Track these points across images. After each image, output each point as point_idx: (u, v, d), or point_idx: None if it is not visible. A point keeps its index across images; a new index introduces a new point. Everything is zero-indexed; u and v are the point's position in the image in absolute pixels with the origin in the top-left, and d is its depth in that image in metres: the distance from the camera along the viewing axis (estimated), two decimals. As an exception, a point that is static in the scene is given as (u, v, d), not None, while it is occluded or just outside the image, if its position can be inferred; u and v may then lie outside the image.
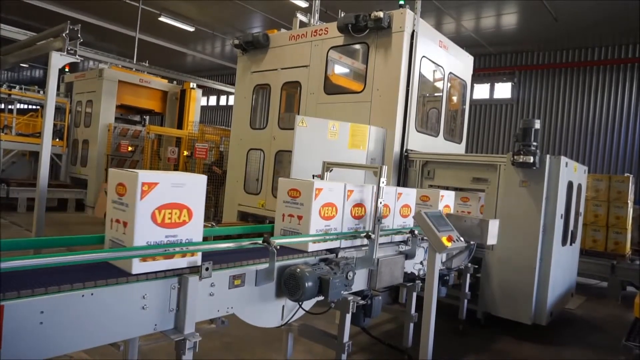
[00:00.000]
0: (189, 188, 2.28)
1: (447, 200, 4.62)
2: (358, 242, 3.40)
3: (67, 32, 5.86)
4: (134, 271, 2.09)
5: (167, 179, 2.20)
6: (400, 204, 3.95)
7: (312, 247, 3.02)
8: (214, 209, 9.99)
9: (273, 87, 7.46)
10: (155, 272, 2.15)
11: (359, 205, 3.40)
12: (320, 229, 3.09)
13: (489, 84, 16.66)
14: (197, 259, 2.31)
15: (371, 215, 3.42)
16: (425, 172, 5.98)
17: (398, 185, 6.04)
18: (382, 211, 3.28)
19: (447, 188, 6.39)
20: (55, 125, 11.82)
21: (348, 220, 3.31)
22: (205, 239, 3.30)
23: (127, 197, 2.13)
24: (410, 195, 4.11)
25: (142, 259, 2.10)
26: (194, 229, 2.31)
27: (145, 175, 2.11)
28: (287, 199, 3.14)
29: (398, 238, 3.86)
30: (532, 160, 4.80)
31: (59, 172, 13.56)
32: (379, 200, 3.26)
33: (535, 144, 4.85)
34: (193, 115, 13.80)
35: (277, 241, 2.59)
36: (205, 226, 2.52)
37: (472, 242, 4.25)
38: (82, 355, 2.36)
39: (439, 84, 7.38)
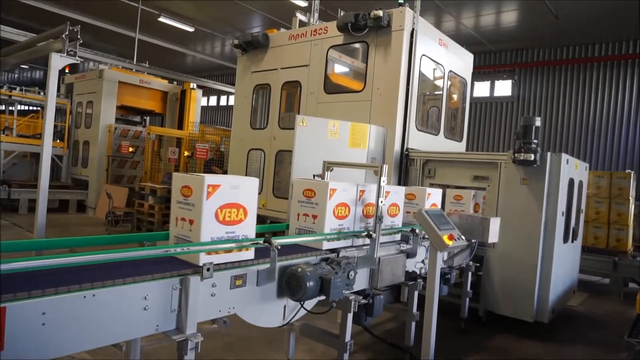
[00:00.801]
0: (245, 189, 2.53)
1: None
2: (360, 241, 3.40)
3: (67, 33, 5.87)
4: (201, 263, 2.31)
5: (227, 181, 2.45)
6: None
7: (326, 246, 3.14)
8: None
9: (273, 87, 7.46)
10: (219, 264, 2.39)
11: (370, 204, 3.46)
12: (334, 228, 3.19)
13: (489, 81, 16.63)
14: (251, 253, 2.57)
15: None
16: (426, 171, 5.98)
17: (399, 184, 6.04)
18: (382, 210, 3.28)
19: (447, 186, 6.38)
20: (55, 126, 11.84)
21: (360, 219, 3.40)
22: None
23: (194, 197, 2.38)
24: (438, 195, 4.47)
25: (207, 253, 2.35)
26: (249, 226, 2.56)
27: (210, 178, 2.37)
28: (302, 198, 3.26)
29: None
30: (532, 158, 4.79)
31: (60, 173, 13.57)
32: (380, 199, 3.27)
33: (536, 141, 4.84)
34: (193, 115, 13.81)
35: (278, 241, 2.59)
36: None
37: (473, 241, 4.25)
38: (84, 355, 2.37)
39: (439, 82, 7.38)
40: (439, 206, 4.60)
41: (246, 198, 2.53)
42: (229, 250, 2.44)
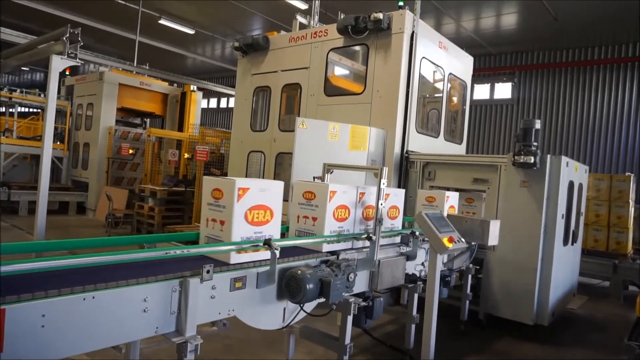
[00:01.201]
0: (272, 192, 2.70)
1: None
2: (359, 243, 3.40)
3: (68, 35, 5.88)
4: (232, 261, 2.49)
5: (255, 184, 2.61)
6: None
7: (326, 248, 3.14)
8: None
9: (273, 89, 7.47)
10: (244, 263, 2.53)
11: (370, 207, 3.46)
12: (334, 230, 3.20)
13: (489, 84, 16.64)
14: (276, 252, 2.59)
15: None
16: (426, 173, 5.98)
17: (399, 186, 6.04)
18: (381, 212, 3.28)
19: (447, 189, 6.37)
20: (56, 128, 11.83)
21: (360, 221, 3.40)
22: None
23: (225, 200, 2.53)
24: (455, 198, 4.64)
25: (237, 252, 2.47)
26: (275, 227, 2.73)
27: (240, 182, 2.53)
28: (302, 200, 3.25)
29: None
30: (532, 161, 4.80)
31: (60, 175, 13.58)
32: (380, 202, 3.27)
33: (535, 144, 4.84)
34: (193, 117, 13.83)
35: (278, 243, 2.59)
36: (199, 227, 2.63)
37: (473, 243, 4.24)
38: (83, 357, 2.37)
39: (439, 85, 7.39)
40: (457, 208, 4.67)
41: (273, 200, 2.71)
42: (256, 250, 2.59)
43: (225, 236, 2.52)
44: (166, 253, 2.24)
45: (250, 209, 2.57)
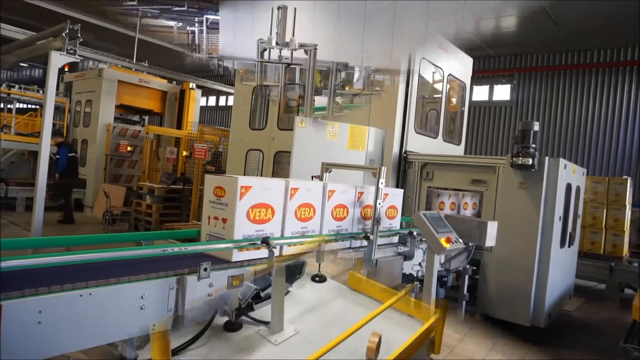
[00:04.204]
0: (274, 191, 2.89)
1: None
2: (357, 243, 3.40)
3: (67, 31, 5.86)
4: (234, 259, 2.55)
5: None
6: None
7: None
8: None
9: (272, 88, 7.45)
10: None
11: (369, 206, 3.47)
12: (332, 229, 3.20)
13: (488, 85, 16.67)
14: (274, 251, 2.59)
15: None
16: (424, 174, 5.99)
17: (397, 186, 6.04)
18: (379, 212, 3.28)
19: (445, 189, 6.38)
20: (54, 124, 11.79)
21: (358, 221, 3.42)
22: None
23: (227, 197, 2.59)
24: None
25: (239, 250, 2.50)
26: (277, 225, 2.85)
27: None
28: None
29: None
30: (530, 162, 4.80)
31: (58, 172, 13.52)
32: (378, 201, 3.27)
33: (534, 146, 4.85)
34: (192, 115, 13.81)
35: (276, 242, 2.59)
36: (196, 225, 2.63)
37: (470, 244, 4.25)
38: (79, 355, 2.36)
39: (438, 86, 7.39)
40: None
41: (275, 198, 3.04)
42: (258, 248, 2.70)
43: (227, 234, 2.72)
44: (164, 250, 2.24)
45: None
